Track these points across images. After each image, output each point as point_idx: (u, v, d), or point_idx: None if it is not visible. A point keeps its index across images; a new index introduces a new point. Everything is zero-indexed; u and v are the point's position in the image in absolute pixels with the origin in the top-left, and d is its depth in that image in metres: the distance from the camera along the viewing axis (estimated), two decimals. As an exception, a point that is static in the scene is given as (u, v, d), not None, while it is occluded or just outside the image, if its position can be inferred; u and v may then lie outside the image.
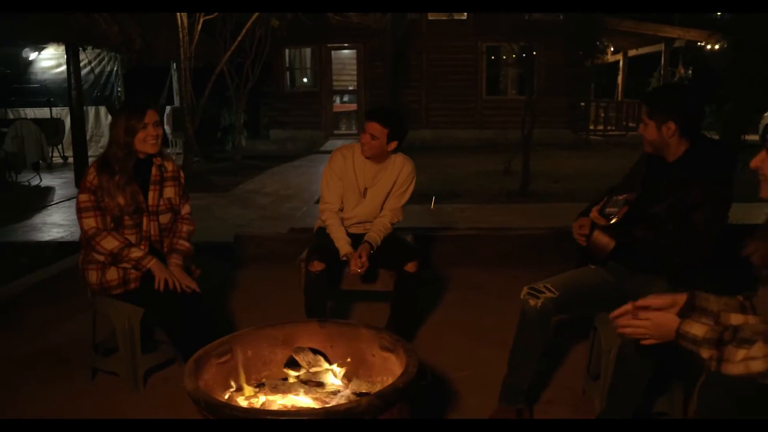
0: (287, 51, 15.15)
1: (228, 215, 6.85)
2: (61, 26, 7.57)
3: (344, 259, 3.15)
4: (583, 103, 15.40)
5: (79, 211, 2.83)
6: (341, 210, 3.36)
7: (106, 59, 13.29)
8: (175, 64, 12.26)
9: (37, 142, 9.76)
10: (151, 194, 2.94)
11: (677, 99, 2.41)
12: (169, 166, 3.03)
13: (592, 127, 15.69)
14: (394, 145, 3.25)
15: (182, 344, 2.80)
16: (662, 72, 15.74)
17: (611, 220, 2.38)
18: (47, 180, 9.82)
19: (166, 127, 12.27)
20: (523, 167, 7.74)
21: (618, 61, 17.85)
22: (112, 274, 2.90)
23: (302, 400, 2.05)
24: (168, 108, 12.63)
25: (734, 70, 5.95)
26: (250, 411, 1.92)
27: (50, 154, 11.51)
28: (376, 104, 12.62)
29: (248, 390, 2.21)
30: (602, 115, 16.01)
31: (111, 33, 8.32)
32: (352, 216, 3.36)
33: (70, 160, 12.48)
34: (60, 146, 12.47)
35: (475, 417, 2.63)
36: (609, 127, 15.89)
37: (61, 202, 8.10)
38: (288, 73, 15.60)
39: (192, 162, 9.39)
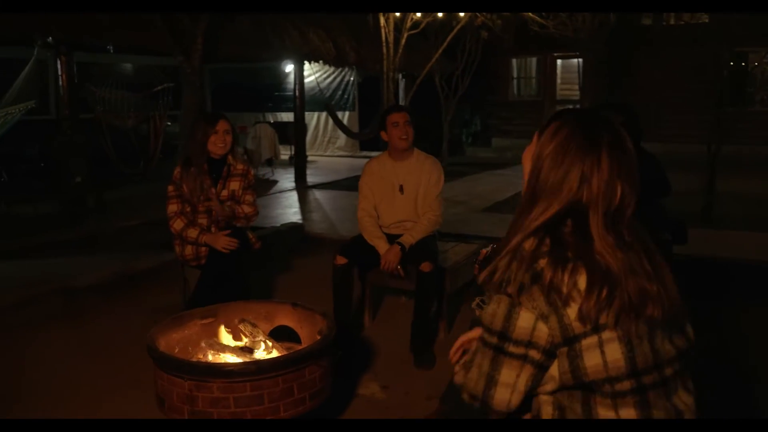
0: (514, 60, 15.35)
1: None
2: (284, 46, 8.90)
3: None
4: None
5: (166, 199, 3.66)
6: (378, 217, 3.72)
7: (347, 70, 14.88)
8: (401, 74, 13.34)
9: (271, 142, 11.46)
10: (219, 186, 3.67)
11: None
12: (239, 166, 3.74)
13: None
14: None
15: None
16: None
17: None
18: (278, 175, 11.49)
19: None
20: (707, 188, 7.05)
21: None
22: (188, 249, 3.69)
23: (230, 359, 2.53)
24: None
25: None
26: (167, 355, 2.45)
27: (292, 153, 13.35)
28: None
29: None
30: None
31: (324, 48, 9.50)
32: (391, 216, 3.70)
33: (310, 158, 14.37)
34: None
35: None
36: None
37: (274, 193, 9.54)
38: (514, 82, 15.79)
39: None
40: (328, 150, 15.15)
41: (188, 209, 3.64)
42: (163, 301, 4.43)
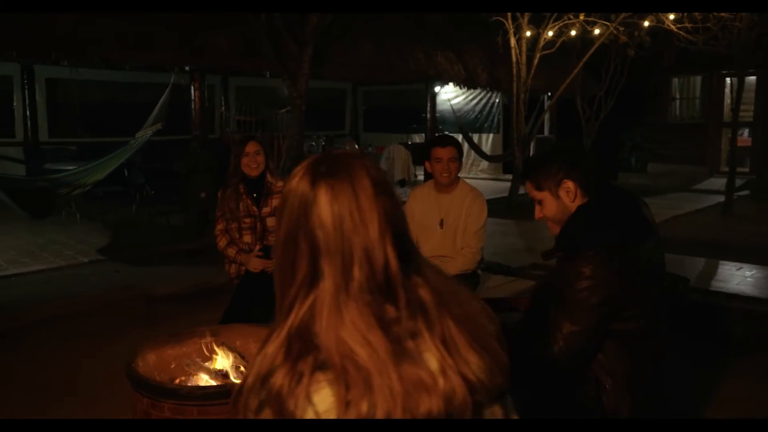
0: (675, 80, 14.15)
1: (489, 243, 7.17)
2: (408, 69, 9.01)
3: None
4: None
5: (215, 220, 3.84)
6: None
7: (492, 92, 14.66)
8: (545, 95, 12.88)
9: (405, 163, 11.56)
10: (261, 204, 3.77)
11: (561, 154, 2.07)
12: (279, 183, 3.82)
13: None
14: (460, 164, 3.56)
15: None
16: None
17: None
18: (411, 195, 11.54)
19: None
20: None
21: None
22: (233, 267, 3.84)
23: (204, 379, 2.56)
24: (533, 137, 13.27)
25: None
26: (134, 371, 2.52)
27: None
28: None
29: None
30: None
31: (453, 70, 9.45)
32: (428, 249, 3.56)
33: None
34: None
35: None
36: None
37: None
38: (676, 103, 14.54)
39: (516, 188, 9.90)
40: (472, 172, 14.96)
41: (234, 226, 3.78)
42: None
